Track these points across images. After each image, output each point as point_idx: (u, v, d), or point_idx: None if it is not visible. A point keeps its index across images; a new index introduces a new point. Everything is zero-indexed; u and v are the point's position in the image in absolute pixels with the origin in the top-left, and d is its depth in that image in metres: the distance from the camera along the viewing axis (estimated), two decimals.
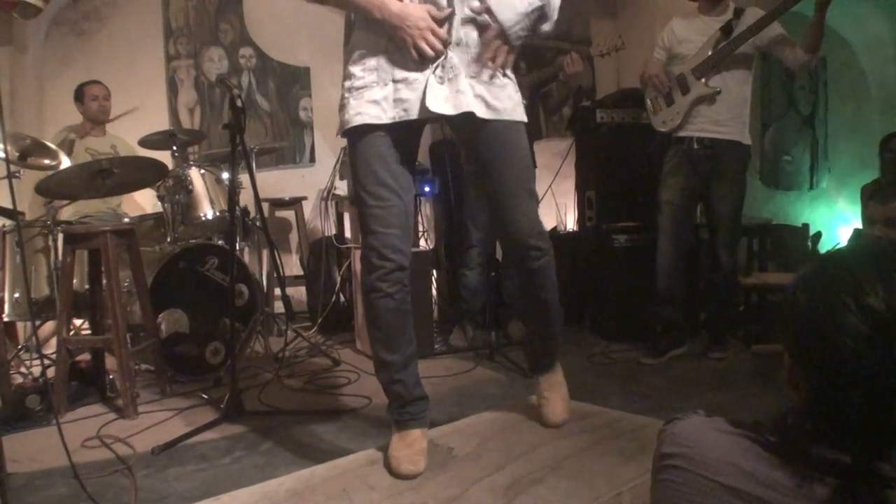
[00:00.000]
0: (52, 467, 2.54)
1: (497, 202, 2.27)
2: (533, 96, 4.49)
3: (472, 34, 2.13)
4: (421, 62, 2.09)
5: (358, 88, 2.13)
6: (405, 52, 2.08)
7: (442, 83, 2.10)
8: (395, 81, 2.10)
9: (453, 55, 2.11)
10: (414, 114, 2.10)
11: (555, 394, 2.47)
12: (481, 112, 2.13)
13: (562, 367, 2.54)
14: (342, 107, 2.17)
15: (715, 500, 0.93)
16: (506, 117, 2.18)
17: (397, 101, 2.10)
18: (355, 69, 2.14)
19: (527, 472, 2.11)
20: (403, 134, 2.16)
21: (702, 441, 0.98)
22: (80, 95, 4.61)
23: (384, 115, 2.10)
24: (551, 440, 2.34)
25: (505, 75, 2.20)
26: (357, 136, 2.14)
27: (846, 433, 0.89)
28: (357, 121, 2.11)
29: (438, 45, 2.08)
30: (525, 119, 2.27)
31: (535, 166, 2.90)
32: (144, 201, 4.84)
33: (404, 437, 2.19)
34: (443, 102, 2.09)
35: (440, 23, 2.10)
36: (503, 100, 2.18)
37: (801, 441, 0.91)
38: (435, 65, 2.10)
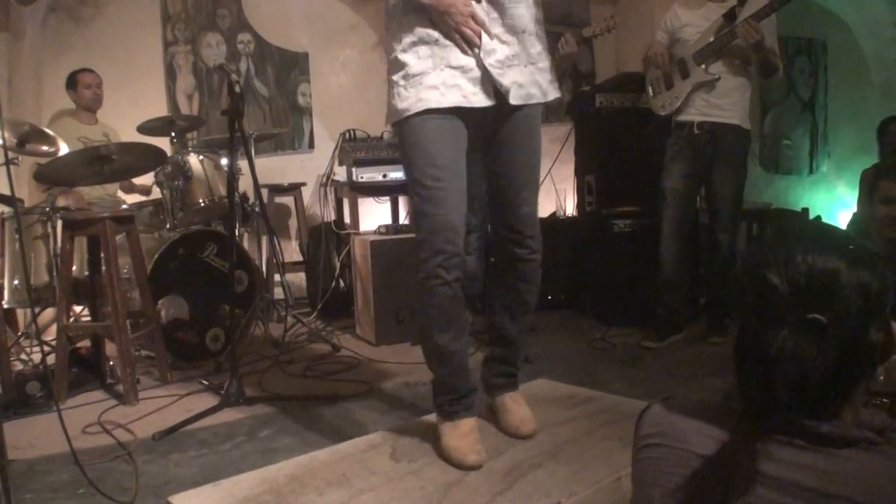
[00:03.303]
0: (53, 454, 2.54)
1: (508, 190, 2.29)
2: None
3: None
4: (468, 48, 2.11)
5: (414, 75, 2.12)
6: (452, 37, 2.10)
7: (501, 72, 2.13)
8: (451, 67, 2.11)
9: (500, 42, 2.13)
10: (477, 102, 2.12)
11: (522, 406, 2.37)
12: (531, 98, 2.20)
13: (562, 351, 2.52)
14: (395, 96, 2.16)
15: (689, 469, 1.00)
16: (538, 101, 2.24)
17: (454, 86, 2.10)
18: (407, 57, 2.13)
19: (526, 457, 2.12)
20: (458, 120, 2.15)
21: (676, 418, 1.06)
22: (72, 83, 4.58)
23: (443, 98, 2.10)
24: (550, 425, 2.34)
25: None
26: (416, 121, 2.12)
27: (764, 401, 0.96)
28: (419, 107, 2.10)
29: (478, 30, 2.10)
30: (556, 95, 2.31)
31: None
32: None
33: (459, 427, 2.16)
34: (516, 91, 2.15)
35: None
36: (541, 83, 2.24)
37: (744, 411, 0.99)
38: (484, 52, 2.11)
